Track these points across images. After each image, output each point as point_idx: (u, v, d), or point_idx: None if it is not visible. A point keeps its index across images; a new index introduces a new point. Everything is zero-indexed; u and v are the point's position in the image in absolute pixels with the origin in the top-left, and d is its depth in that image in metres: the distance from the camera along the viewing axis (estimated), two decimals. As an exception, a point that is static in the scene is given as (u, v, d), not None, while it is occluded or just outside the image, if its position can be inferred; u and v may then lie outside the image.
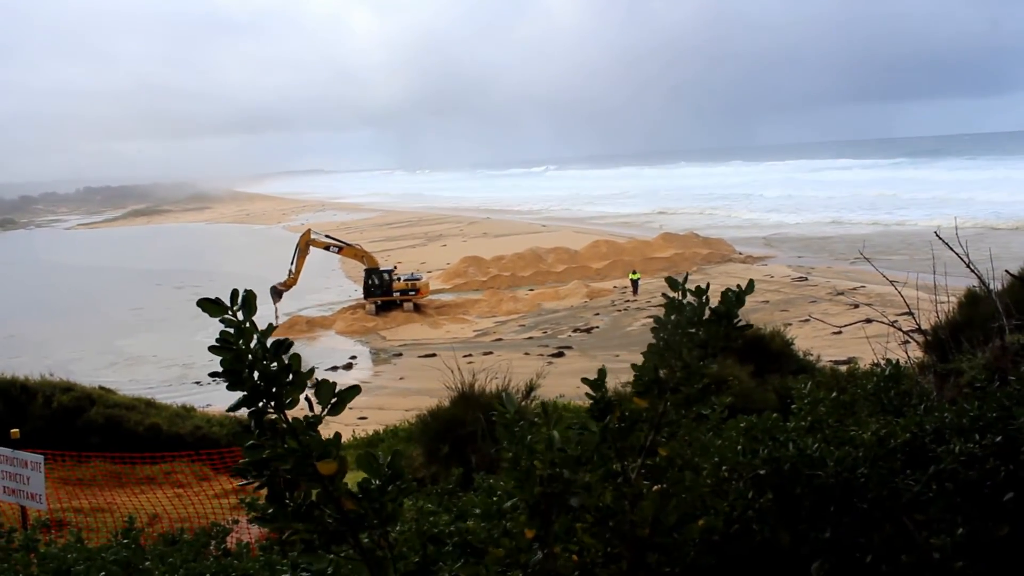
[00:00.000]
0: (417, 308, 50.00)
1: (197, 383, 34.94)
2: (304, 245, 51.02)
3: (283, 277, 50.01)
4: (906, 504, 2.59)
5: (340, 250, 52.59)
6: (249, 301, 1.96)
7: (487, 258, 61.10)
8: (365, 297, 50.82)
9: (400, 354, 41.75)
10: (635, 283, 50.91)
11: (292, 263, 50.23)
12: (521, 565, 2.28)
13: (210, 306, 1.94)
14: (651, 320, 2.48)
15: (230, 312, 1.95)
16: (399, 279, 50.48)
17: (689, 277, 2.33)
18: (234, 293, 1.96)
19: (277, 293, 48.60)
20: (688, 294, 2.23)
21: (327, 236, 53.31)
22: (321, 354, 40.79)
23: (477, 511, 2.54)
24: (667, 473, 2.37)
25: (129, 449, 15.61)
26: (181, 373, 38.25)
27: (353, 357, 41.87)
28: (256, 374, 1.98)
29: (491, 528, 2.40)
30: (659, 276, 48.74)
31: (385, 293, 49.87)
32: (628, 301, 48.49)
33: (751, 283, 2.29)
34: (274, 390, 1.99)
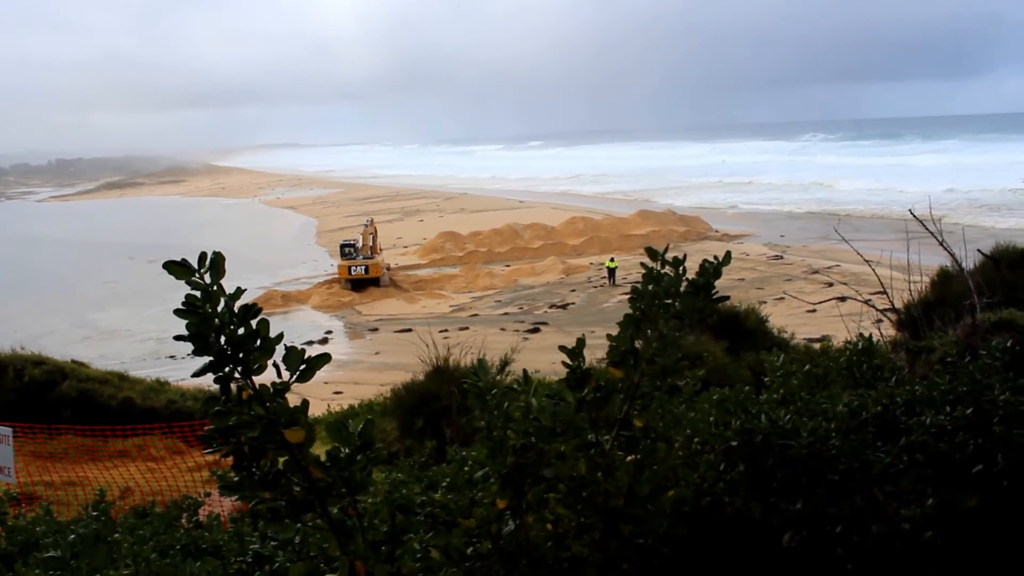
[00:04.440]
0: (394, 283, 49.98)
1: (171, 357, 34.68)
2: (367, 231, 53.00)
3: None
4: (877, 475, 2.60)
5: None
6: (217, 263, 1.90)
7: (464, 233, 60.95)
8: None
9: (376, 329, 41.66)
10: (611, 272, 47.17)
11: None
12: (492, 536, 2.26)
13: (176, 268, 1.88)
14: (627, 297, 2.47)
15: (197, 275, 1.89)
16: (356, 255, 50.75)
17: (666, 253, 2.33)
18: (202, 255, 1.90)
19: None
20: (666, 265, 2.22)
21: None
22: (296, 328, 40.48)
23: (447, 480, 2.51)
24: (641, 444, 2.36)
25: (102, 423, 15.51)
26: (155, 348, 37.88)
27: (329, 332, 41.73)
28: (223, 339, 1.93)
29: (459, 499, 2.38)
30: (635, 254, 49.27)
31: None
32: (604, 278, 48.46)
33: (728, 254, 2.29)
34: (241, 355, 1.94)
